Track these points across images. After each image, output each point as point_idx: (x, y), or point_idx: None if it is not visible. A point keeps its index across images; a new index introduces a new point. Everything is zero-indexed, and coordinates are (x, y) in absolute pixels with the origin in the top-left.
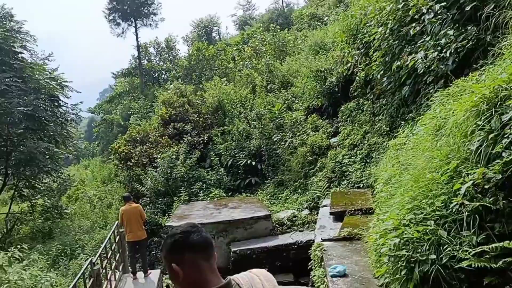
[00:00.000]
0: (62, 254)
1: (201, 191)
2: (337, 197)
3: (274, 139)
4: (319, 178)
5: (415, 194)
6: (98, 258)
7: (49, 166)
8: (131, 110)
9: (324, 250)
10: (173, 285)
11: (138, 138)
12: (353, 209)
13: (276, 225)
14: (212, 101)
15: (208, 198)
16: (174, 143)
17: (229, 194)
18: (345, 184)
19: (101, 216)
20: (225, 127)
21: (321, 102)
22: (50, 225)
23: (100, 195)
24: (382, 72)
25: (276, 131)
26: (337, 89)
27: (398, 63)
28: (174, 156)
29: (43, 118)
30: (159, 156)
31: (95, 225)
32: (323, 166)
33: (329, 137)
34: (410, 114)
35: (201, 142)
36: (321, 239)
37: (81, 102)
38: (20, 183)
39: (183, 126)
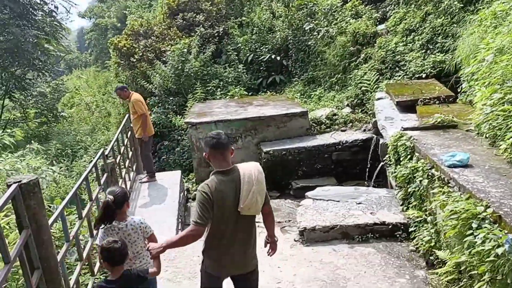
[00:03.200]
0: (63, 154)
1: (218, 90)
2: (396, 88)
3: (306, 28)
4: (364, 71)
5: None
6: (111, 152)
7: (40, 61)
8: (127, 9)
9: (415, 139)
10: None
11: (141, 31)
12: (427, 98)
13: (313, 124)
14: None
15: (227, 97)
16: (184, 36)
17: (249, 94)
18: (400, 75)
19: (102, 121)
20: (244, 18)
21: None
22: (46, 129)
23: (97, 102)
24: None
25: (309, 19)
26: None
27: None
28: (185, 50)
29: (28, 3)
30: (168, 49)
31: (96, 129)
32: (369, 57)
33: (375, 25)
34: None
35: (215, 35)
36: (403, 128)
37: None
38: (9, 83)
39: (194, 16)
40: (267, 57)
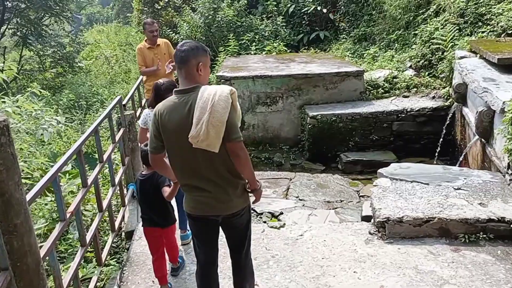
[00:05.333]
0: (76, 105)
1: (253, 44)
2: (487, 45)
3: None
4: (434, 26)
5: None
6: (130, 101)
7: (57, 4)
8: None
9: None
10: None
11: None
12: None
13: (368, 87)
14: None
15: (264, 53)
16: None
17: (288, 51)
18: (484, 31)
19: (121, 75)
20: None
21: None
22: (62, 80)
23: (117, 56)
24: None
25: None
26: None
27: None
28: None
29: None
30: None
31: (115, 83)
32: (442, 9)
33: None
34: None
35: None
36: None
37: None
38: (26, 30)
39: None
40: (311, 9)
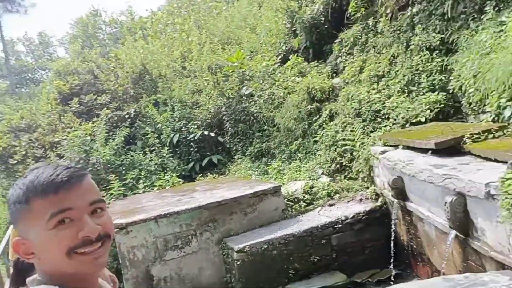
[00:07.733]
0: None
1: (140, 182)
2: (405, 135)
3: (245, 93)
4: (334, 129)
5: None
6: None
7: None
8: None
9: None
10: None
11: (22, 125)
12: (474, 133)
13: (288, 203)
14: (132, 66)
15: (155, 189)
16: (84, 122)
17: (181, 182)
18: (386, 125)
19: None
20: (159, 95)
21: (299, 42)
22: None
23: None
24: None
25: (246, 82)
26: (323, 19)
27: None
28: (88, 137)
29: None
30: (64, 138)
31: None
32: (334, 112)
33: (330, 78)
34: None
35: (126, 117)
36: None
37: None
38: None
39: (94, 98)
40: (198, 135)
